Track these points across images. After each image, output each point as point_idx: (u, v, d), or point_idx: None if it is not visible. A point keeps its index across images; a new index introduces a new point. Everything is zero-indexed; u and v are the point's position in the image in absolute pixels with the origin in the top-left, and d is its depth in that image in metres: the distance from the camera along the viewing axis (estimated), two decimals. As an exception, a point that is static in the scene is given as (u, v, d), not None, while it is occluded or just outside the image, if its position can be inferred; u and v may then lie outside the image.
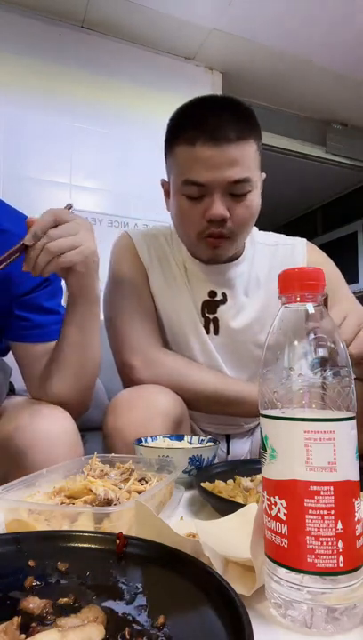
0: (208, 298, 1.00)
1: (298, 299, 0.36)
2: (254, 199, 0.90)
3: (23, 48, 2.18)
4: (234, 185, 0.85)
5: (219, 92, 2.59)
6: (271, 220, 4.63)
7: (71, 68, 2.28)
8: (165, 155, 0.94)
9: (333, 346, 0.34)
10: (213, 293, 1.00)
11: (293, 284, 0.36)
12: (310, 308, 0.36)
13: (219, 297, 1.00)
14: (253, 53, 2.50)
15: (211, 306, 1.00)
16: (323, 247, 1.11)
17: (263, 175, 0.95)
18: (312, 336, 0.35)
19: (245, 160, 0.85)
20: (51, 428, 0.75)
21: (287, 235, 1.11)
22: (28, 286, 0.83)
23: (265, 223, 1.04)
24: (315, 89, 2.81)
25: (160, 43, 2.43)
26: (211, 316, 1.00)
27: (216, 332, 1.01)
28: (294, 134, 3.03)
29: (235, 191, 0.86)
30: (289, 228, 4.67)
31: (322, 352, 0.34)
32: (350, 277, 3.66)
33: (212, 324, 1.01)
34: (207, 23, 2.30)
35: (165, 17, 2.25)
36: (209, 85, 2.59)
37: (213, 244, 0.91)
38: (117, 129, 2.36)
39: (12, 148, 2.12)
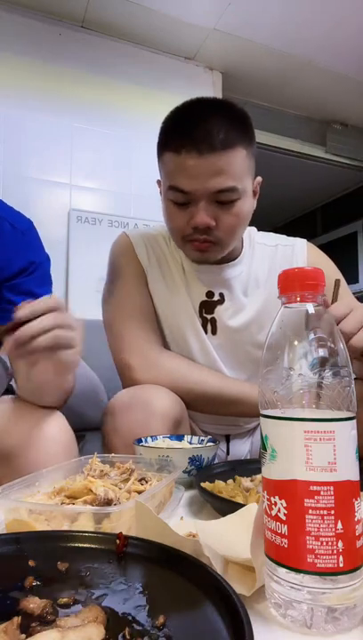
0: (206, 298, 1.00)
1: (298, 299, 0.36)
2: (243, 206, 0.88)
3: (23, 48, 2.18)
4: (219, 194, 0.84)
5: (219, 92, 2.59)
6: (271, 220, 4.62)
7: (71, 68, 2.28)
8: (157, 157, 0.94)
9: (333, 346, 0.34)
10: (210, 294, 1.00)
11: (293, 284, 0.36)
12: (311, 308, 0.36)
13: (216, 297, 1.00)
14: (253, 53, 2.50)
15: (208, 306, 1.00)
16: (323, 247, 1.11)
17: (259, 179, 0.94)
18: (312, 336, 0.35)
19: (230, 169, 0.83)
20: (45, 426, 0.75)
21: (287, 235, 1.11)
22: (10, 271, 0.80)
23: (265, 223, 1.04)
24: (315, 89, 2.81)
25: (160, 43, 2.43)
26: (209, 317, 1.00)
27: (214, 332, 1.01)
28: (294, 134, 3.03)
29: (221, 199, 0.85)
30: (289, 228, 4.66)
31: (322, 352, 0.34)
32: (351, 277, 3.66)
33: (210, 325, 1.01)
34: (207, 23, 2.30)
35: (165, 17, 2.25)
36: (209, 85, 2.59)
37: (197, 248, 0.91)
38: (117, 129, 2.36)
39: (12, 148, 2.12)
